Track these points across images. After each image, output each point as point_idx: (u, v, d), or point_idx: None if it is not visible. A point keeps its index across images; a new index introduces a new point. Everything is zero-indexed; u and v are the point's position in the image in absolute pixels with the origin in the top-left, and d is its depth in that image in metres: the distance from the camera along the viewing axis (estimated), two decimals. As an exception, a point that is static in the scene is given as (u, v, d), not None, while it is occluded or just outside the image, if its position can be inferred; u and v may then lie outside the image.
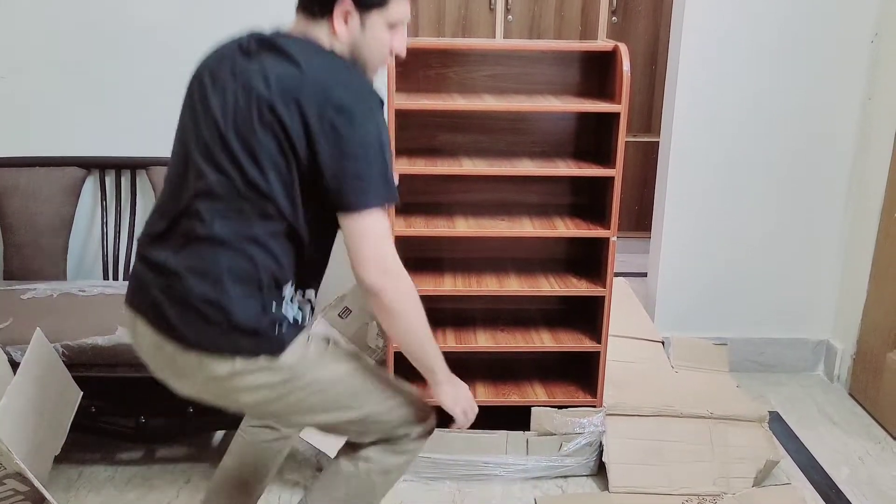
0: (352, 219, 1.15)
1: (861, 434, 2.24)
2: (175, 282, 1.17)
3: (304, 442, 1.91)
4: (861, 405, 2.39)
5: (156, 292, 1.19)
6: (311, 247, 1.23)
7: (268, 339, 1.18)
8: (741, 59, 2.29)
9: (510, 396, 1.92)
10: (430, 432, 1.38)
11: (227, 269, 1.15)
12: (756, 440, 2.00)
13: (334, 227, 1.21)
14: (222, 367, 1.17)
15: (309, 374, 1.23)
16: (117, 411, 1.95)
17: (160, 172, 2.34)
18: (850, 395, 2.45)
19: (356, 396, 1.28)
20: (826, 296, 2.52)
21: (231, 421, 1.94)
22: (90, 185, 2.42)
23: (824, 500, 1.94)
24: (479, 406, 1.42)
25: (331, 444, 1.80)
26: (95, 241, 2.45)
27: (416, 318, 1.24)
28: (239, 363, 1.17)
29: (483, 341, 1.90)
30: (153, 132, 2.37)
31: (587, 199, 2.02)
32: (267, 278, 1.17)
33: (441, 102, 1.75)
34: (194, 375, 1.23)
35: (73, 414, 1.82)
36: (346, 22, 1.18)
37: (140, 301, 1.24)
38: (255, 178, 1.13)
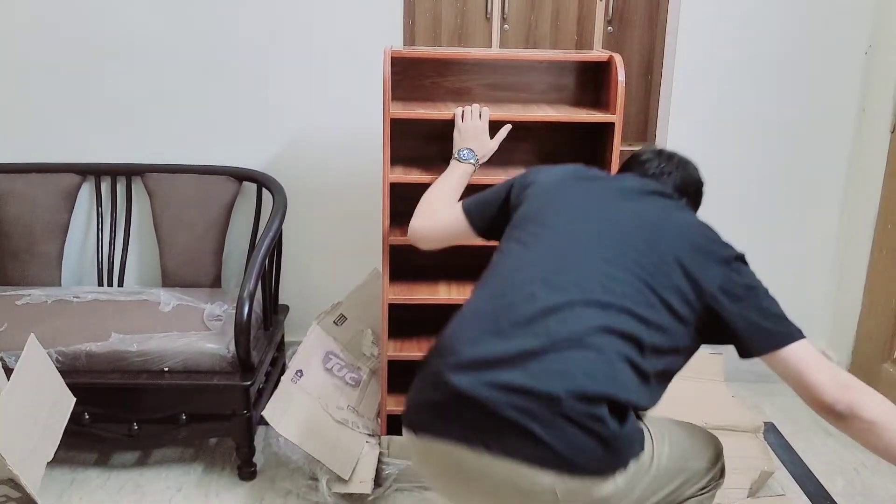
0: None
1: (856, 445, 2.18)
2: (548, 401, 1.03)
3: (298, 449, 1.92)
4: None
5: (513, 414, 1.03)
6: None
7: (638, 440, 1.11)
8: (735, 70, 2.31)
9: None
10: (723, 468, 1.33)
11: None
12: (751, 450, 2.01)
13: None
14: (607, 486, 1.05)
15: (656, 457, 1.15)
16: (110, 417, 1.96)
17: (155, 179, 2.36)
18: (845, 405, 2.46)
19: (685, 454, 1.22)
20: (820, 306, 2.53)
21: (224, 429, 1.96)
22: (86, 192, 2.44)
23: (819, 512, 1.96)
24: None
25: (321, 447, 1.81)
26: (91, 248, 2.46)
27: None
28: (620, 477, 1.07)
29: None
30: (149, 139, 2.39)
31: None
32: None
33: (436, 112, 1.77)
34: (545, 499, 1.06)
35: (67, 420, 1.83)
36: None
37: (465, 427, 1.07)
38: None
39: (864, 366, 2.36)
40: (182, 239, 2.35)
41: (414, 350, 1.91)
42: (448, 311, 2.06)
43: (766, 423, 2.17)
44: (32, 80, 2.34)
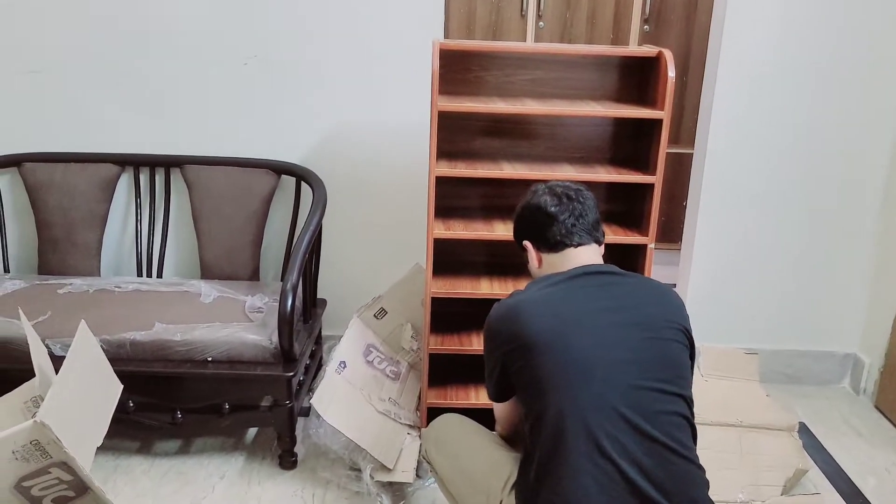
0: None
1: (887, 446, 2.26)
2: None
3: (337, 440, 1.95)
4: (888, 418, 2.40)
5: None
6: None
7: None
8: (778, 77, 2.30)
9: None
10: None
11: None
12: (785, 449, 2.03)
13: None
14: None
15: None
16: (154, 406, 1.99)
17: (194, 171, 2.39)
18: (877, 407, 2.47)
19: None
20: (854, 309, 2.54)
21: (266, 418, 1.99)
22: (125, 182, 2.47)
23: (854, 511, 1.97)
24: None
25: (365, 437, 1.84)
26: (129, 238, 2.50)
27: None
28: None
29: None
30: (188, 130, 2.42)
31: (623, 206, 2.05)
32: None
33: (484, 105, 1.79)
34: None
35: (115, 407, 1.86)
36: None
37: None
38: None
39: (898, 367, 2.37)
40: (221, 231, 2.38)
41: (455, 344, 1.94)
42: (489, 306, 2.10)
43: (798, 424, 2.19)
44: (71, 70, 2.37)
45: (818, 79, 2.32)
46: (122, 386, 1.88)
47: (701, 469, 1.26)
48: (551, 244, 1.36)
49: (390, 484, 1.89)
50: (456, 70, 1.97)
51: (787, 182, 2.41)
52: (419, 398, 2.14)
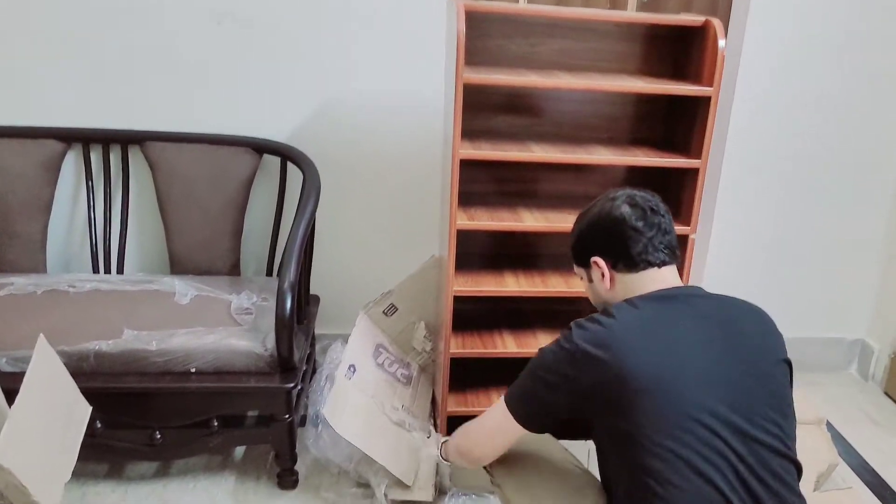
0: None
1: (905, 433, 2.24)
2: None
3: (340, 453, 1.74)
4: (899, 404, 2.39)
5: None
6: None
7: None
8: (793, 66, 2.21)
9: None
10: None
11: None
12: (816, 443, 1.96)
13: None
14: None
15: None
16: (127, 425, 1.73)
17: (158, 149, 2.09)
18: (886, 393, 2.45)
19: None
20: (863, 296, 2.51)
21: (262, 435, 1.76)
22: (72, 162, 2.14)
23: (881, 501, 1.92)
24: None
25: (382, 451, 1.64)
26: (80, 228, 2.18)
27: None
28: None
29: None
30: (149, 102, 2.10)
31: (658, 192, 1.89)
32: None
33: (516, 78, 1.58)
34: None
35: (83, 434, 1.59)
36: None
37: None
38: None
39: (911, 353, 2.34)
40: (193, 219, 2.10)
41: (477, 346, 1.75)
42: (512, 301, 1.93)
43: (817, 415, 2.13)
44: (7, 32, 2.00)
45: (832, 64, 2.22)
46: (90, 408, 1.60)
47: None
48: (634, 263, 1.18)
49: (410, 502, 1.70)
50: (475, 37, 1.75)
51: (798, 167, 2.34)
52: (432, 405, 1.95)
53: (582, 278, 1.30)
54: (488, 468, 1.37)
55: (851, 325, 2.54)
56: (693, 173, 1.67)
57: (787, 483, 1.08)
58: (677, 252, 1.22)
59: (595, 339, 1.09)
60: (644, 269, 1.18)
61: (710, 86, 1.61)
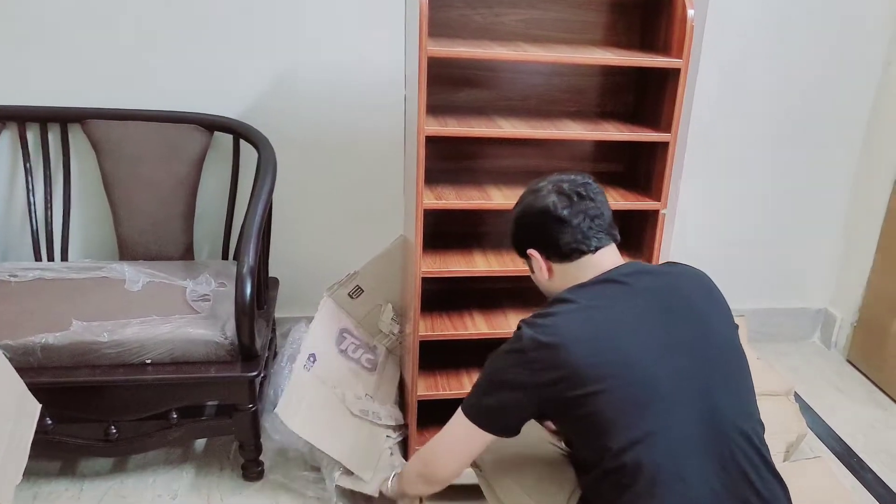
0: None
1: (867, 401, 2.36)
2: None
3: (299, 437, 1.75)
4: (861, 372, 2.51)
5: None
6: None
7: None
8: (759, 31, 2.26)
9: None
10: None
11: None
12: (785, 414, 2.05)
13: None
14: None
15: None
16: (79, 420, 1.70)
17: (101, 128, 2.02)
18: (849, 361, 2.57)
19: None
20: (825, 266, 2.61)
21: (225, 426, 1.76)
22: (6, 142, 2.06)
23: (848, 469, 2.03)
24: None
25: (340, 445, 1.66)
26: (19, 213, 2.11)
27: None
28: None
29: (516, 325, 1.79)
30: (90, 76, 2.03)
31: (624, 167, 1.93)
32: None
33: (482, 51, 1.57)
34: None
35: (33, 433, 1.56)
36: None
37: None
38: None
39: (872, 323, 2.45)
40: (142, 201, 2.05)
41: (447, 328, 1.76)
42: (480, 281, 1.95)
43: (782, 385, 2.22)
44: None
45: (797, 29, 2.28)
46: (39, 406, 1.57)
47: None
48: (565, 253, 1.21)
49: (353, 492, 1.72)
50: (437, 6, 1.73)
51: (765, 135, 2.40)
52: (399, 389, 1.97)
53: (528, 268, 1.32)
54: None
55: (814, 295, 2.65)
56: (663, 147, 1.70)
57: (755, 446, 1.12)
58: (614, 232, 1.24)
59: (541, 339, 1.10)
60: (578, 257, 1.20)
61: (680, 57, 1.62)
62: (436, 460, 1.26)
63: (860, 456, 2.08)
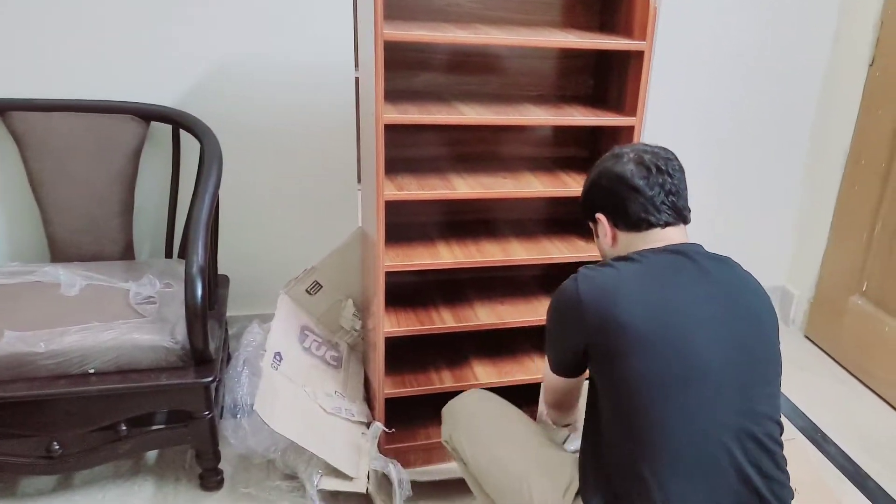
0: None
1: (827, 376, 2.49)
2: None
3: (262, 444, 1.74)
4: (819, 347, 2.64)
5: None
6: None
7: None
8: (709, 10, 2.32)
9: (514, 375, 1.87)
10: None
11: None
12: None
13: None
14: None
15: None
16: (17, 437, 1.64)
17: (23, 120, 1.94)
18: (807, 337, 2.70)
19: None
20: (782, 243, 2.72)
21: (179, 436, 1.73)
22: (-84, 136, 1.95)
23: (813, 444, 2.14)
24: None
25: (319, 445, 1.65)
26: (-66, 212, 2.00)
27: None
28: None
29: (484, 317, 1.81)
30: (10, 64, 1.93)
31: (587, 152, 1.96)
32: None
33: (442, 34, 1.57)
34: None
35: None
36: None
37: None
38: None
39: (829, 299, 2.58)
40: (74, 199, 1.97)
41: (413, 323, 1.77)
42: (443, 272, 1.96)
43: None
44: None
45: (747, 19, 2.35)
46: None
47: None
48: (633, 222, 1.24)
49: (345, 493, 1.73)
50: (389, -13, 1.72)
51: (717, 121, 2.49)
52: (365, 386, 1.97)
53: (593, 232, 1.36)
54: (449, 440, 1.46)
55: (771, 273, 2.77)
56: (627, 131, 1.74)
57: (775, 451, 1.16)
58: (685, 214, 1.26)
59: (593, 287, 1.15)
60: (646, 229, 1.23)
61: (644, 39, 1.66)
62: (545, 396, 1.41)
63: (823, 430, 2.20)
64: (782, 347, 1.22)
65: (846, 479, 1.99)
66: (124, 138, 1.99)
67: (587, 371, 1.27)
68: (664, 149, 1.29)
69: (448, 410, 1.52)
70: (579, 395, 1.40)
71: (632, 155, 1.26)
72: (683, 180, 1.27)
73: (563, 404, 1.39)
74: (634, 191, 1.23)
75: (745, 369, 1.13)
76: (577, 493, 1.22)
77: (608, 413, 1.17)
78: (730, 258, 1.25)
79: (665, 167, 1.24)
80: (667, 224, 1.23)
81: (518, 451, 1.33)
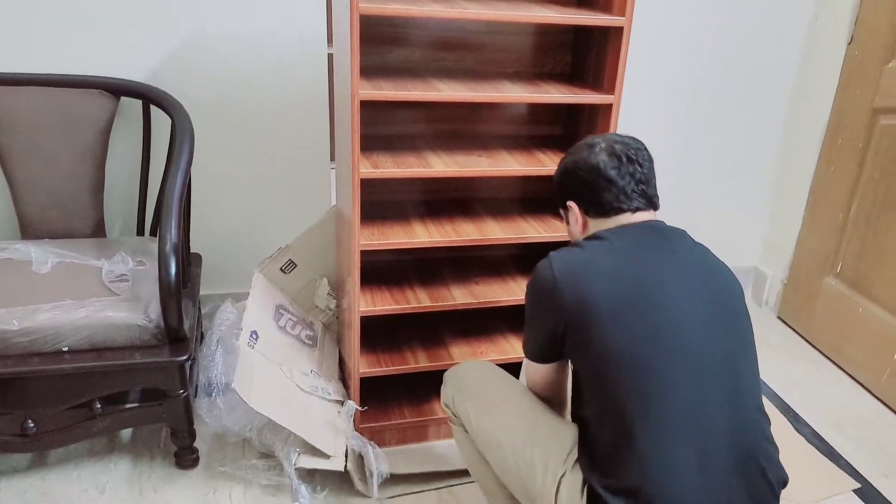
0: None
1: (799, 356, 2.59)
2: None
3: (237, 419, 1.79)
4: (792, 328, 2.75)
5: None
6: None
7: None
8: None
9: (489, 354, 1.94)
10: None
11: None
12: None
13: None
14: None
15: None
16: (-9, 417, 1.68)
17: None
18: (780, 318, 2.81)
19: None
20: (756, 225, 2.82)
21: (154, 414, 1.78)
22: None
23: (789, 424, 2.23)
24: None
25: (297, 423, 1.71)
26: None
27: None
28: None
29: (460, 298, 1.87)
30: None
31: (562, 130, 2.02)
32: None
33: (419, 8, 1.61)
34: None
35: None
36: None
37: None
38: None
39: (803, 280, 2.68)
40: (44, 175, 2.00)
41: (387, 302, 1.83)
42: (418, 251, 2.01)
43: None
44: None
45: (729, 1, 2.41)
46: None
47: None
48: (604, 210, 1.33)
49: (322, 471, 1.79)
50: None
51: (691, 102, 2.55)
52: (340, 366, 2.03)
53: (563, 218, 1.45)
54: (450, 404, 1.52)
55: (745, 254, 2.86)
56: (605, 109, 1.80)
57: (761, 421, 1.24)
58: (655, 201, 1.35)
59: (567, 267, 1.24)
60: (615, 214, 1.32)
61: (623, 15, 1.70)
62: (531, 388, 1.45)
63: (796, 410, 2.30)
64: (756, 328, 1.30)
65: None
66: (94, 114, 2.02)
67: (570, 365, 1.35)
68: (634, 139, 1.38)
69: (451, 374, 1.56)
70: (566, 397, 1.44)
71: (603, 145, 1.34)
72: (652, 169, 1.36)
73: (547, 400, 1.43)
74: (607, 181, 1.31)
75: (728, 340, 1.21)
76: (577, 461, 1.29)
77: (589, 393, 1.24)
78: (685, 231, 1.34)
79: (636, 157, 1.33)
80: (636, 209, 1.32)
81: (522, 419, 1.39)
